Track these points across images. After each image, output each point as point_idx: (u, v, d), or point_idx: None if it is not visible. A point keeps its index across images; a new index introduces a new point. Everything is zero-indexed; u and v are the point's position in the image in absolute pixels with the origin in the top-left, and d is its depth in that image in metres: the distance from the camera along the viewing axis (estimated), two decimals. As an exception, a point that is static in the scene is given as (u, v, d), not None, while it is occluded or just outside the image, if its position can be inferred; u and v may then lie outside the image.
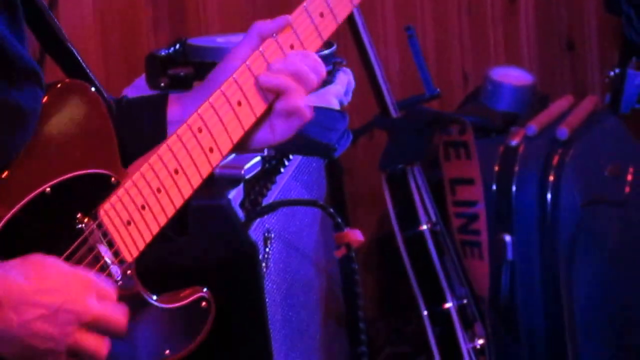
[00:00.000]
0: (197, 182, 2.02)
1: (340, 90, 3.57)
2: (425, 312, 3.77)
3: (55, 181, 1.86)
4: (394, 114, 3.80)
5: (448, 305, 3.70)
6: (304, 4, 2.11)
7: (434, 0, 4.98)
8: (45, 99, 1.92)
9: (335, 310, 3.81)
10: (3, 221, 1.79)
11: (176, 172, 1.98)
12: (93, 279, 1.81)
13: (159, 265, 2.17)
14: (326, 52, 3.47)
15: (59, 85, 1.93)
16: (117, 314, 1.79)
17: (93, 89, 1.99)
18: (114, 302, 1.81)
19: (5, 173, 1.84)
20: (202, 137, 2.01)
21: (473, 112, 4.27)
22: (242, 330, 2.93)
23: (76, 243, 1.85)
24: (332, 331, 3.80)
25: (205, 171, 2.03)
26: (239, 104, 2.04)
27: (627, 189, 4.43)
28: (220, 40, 3.60)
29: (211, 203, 2.67)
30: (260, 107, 2.05)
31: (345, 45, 3.89)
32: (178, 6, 4.31)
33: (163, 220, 1.96)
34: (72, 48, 2.09)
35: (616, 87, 4.95)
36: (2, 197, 1.82)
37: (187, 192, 1.99)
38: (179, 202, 1.99)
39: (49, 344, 1.68)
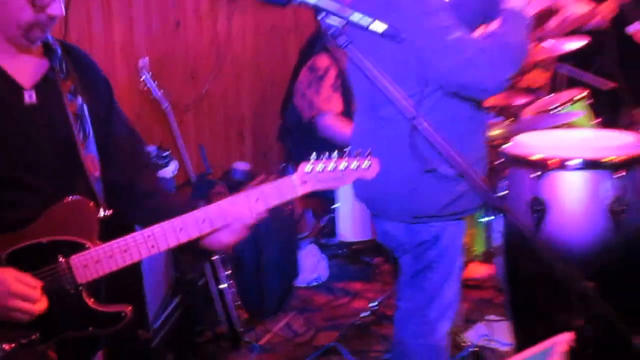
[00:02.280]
0: (131, 261, 2.22)
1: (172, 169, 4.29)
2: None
3: (52, 238, 2.19)
4: (193, 178, 4.45)
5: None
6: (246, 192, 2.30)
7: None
8: (65, 199, 2.22)
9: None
10: (14, 247, 2.15)
11: (125, 251, 2.20)
12: (25, 285, 2.11)
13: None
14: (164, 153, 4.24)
15: (72, 198, 2.23)
16: (27, 307, 2.11)
17: (90, 204, 2.25)
18: (31, 297, 2.11)
19: (26, 230, 2.17)
20: (164, 234, 2.21)
21: (226, 181, 4.85)
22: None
23: (48, 268, 2.17)
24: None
25: (137, 257, 2.22)
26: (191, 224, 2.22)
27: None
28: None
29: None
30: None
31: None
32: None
33: (106, 271, 2.21)
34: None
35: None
36: (19, 237, 2.16)
37: (124, 264, 2.21)
38: (116, 267, 2.22)
39: None
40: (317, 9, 2.01)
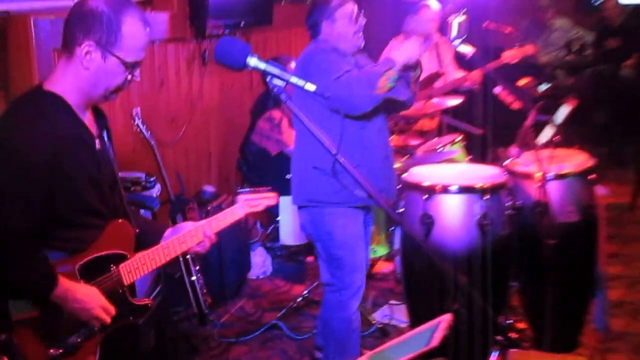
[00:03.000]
0: (156, 266, 2.26)
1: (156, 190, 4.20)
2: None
3: (108, 252, 2.17)
4: (172, 197, 4.26)
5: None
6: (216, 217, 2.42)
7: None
8: (112, 222, 2.19)
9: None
10: (83, 261, 2.12)
11: (152, 259, 2.24)
12: (106, 302, 2.12)
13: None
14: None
15: (119, 220, 2.22)
16: (106, 317, 2.12)
17: (130, 224, 2.25)
18: (109, 312, 2.12)
19: (91, 247, 2.14)
20: (169, 249, 2.28)
21: (197, 199, 4.73)
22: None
23: (105, 275, 2.15)
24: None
25: (159, 263, 2.27)
26: (184, 241, 2.31)
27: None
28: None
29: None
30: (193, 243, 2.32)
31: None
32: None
33: (141, 274, 2.22)
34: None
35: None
36: (86, 253, 2.12)
37: (152, 268, 2.25)
38: (147, 271, 2.24)
39: (85, 316, 2.08)
40: (265, 73, 2.02)
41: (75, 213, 2.08)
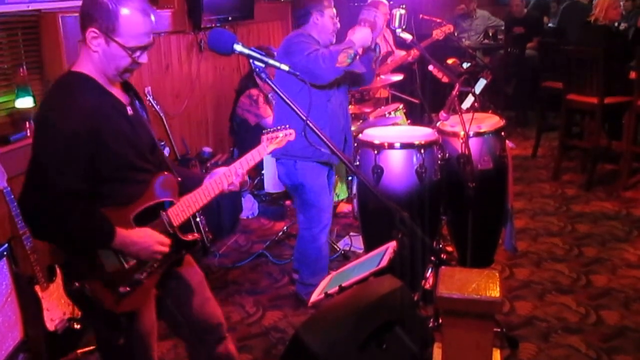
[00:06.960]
0: (199, 206, 2.11)
1: (166, 152, 4.73)
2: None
3: (157, 201, 2.03)
4: (179, 157, 4.44)
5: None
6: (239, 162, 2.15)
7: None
8: (157, 175, 2.03)
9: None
10: (137, 211, 1.98)
11: (195, 201, 2.09)
12: (161, 236, 1.99)
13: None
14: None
15: (163, 172, 2.05)
16: (164, 249, 1.99)
17: (172, 175, 2.08)
18: (165, 244, 1.99)
19: (141, 198, 1.98)
20: (207, 190, 2.12)
21: (198, 158, 4.76)
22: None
23: (156, 221, 2.02)
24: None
25: (200, 205, 2.10)
26: (220, 182, 2.13)
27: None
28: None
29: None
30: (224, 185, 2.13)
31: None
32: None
33: (188, 215, 2.09)
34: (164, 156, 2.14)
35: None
36: (138, 204, 1.98)
37: (195, 209, 2.10)
38: (192, 212, 2.10)
39: (146, 255, 1.96)
40: (249, 57, 1.99)
41: (118, 170, 1.91)
